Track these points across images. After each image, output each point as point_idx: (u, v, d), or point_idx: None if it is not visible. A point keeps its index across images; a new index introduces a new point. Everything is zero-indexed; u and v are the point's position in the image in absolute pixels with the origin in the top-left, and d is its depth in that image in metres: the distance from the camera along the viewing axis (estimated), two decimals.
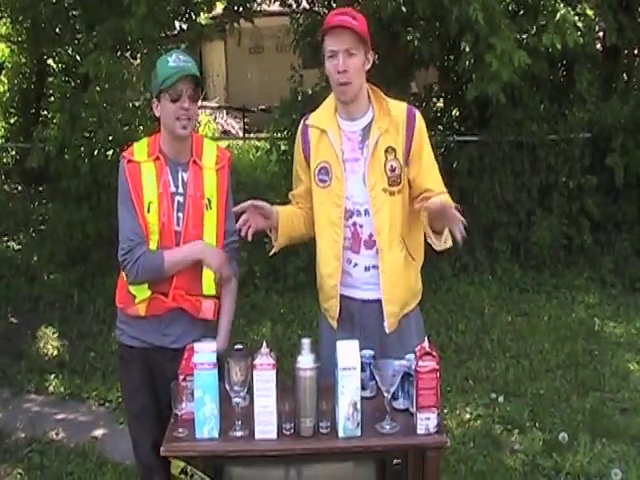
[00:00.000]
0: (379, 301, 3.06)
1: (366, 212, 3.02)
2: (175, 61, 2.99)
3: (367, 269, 3.06)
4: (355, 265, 3.07)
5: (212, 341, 2.65)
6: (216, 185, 3.09)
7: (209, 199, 3.06)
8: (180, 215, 3.03)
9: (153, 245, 3.02)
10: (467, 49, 6.74)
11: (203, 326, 3.09)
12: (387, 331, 3.05)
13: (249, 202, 2.93)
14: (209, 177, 3.09)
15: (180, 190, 3.05)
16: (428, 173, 3.04)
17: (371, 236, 3.03)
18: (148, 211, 3.01)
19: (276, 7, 9.42)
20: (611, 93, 8.29)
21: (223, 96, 17.91)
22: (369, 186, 2.99)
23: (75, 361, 6.04)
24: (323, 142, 3.06)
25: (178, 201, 3.04)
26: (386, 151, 2.99)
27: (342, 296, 3.10)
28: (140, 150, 3.10)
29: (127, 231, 3.02)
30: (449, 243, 2.95)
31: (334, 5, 8.04)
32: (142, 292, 3.05)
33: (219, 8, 9.45)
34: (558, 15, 6.55)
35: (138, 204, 3.01)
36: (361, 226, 3.04)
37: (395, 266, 3.03)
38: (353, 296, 3.10)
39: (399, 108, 3.05)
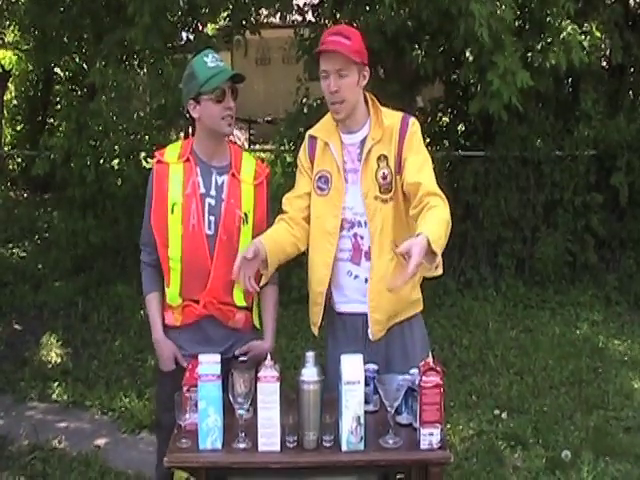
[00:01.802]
0: None
1: (366, 224, 3.02)
2: (213, 61, 2.98)
3: (367, 281, 3.05)
4: (356, 277, 3.06)
5: (217, 354, 2.63)
6: (254, 201, 3.08)
7: (246, 214, 3.05)
8: (212, 218, 3.01)
9: (175, 250, 3.01)
10: (470, 59, 6.76)
11: (234, 336, 3.09)
12: (371, 338, 3.02)
13: (239, 260, 2.76)
14: (247, 192, 3.08)
15: (212, 192, 3.03)
16: (418, 171, 2.94)
17: (371, 247, 3.03)
18: (172, 212, 3.00)
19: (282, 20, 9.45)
20: (617, 111, 8.29)
21: None
22: (363, 195, 3.00)
23: (79, 369, 6.04)
24: (326, 153, 3.08)
25: (209, 203, 3.02)
26: (378, 159, 3.00)
27: (346, 314, 3.10)
28: (172, 152, 3.11)
29: (143, 232, 3.16)
30: (439, 271, 2.70)
31: (339, 17, 8.06)
32: (175, 299, 3.07)
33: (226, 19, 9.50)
34: (564, 33, 6.56)
35: (160, 206, 3.02)
36: (362, 237, 3.04)
37: (384, 274, 2.98)
38: (354, 311, 3.08)
39: (394, 117, 3.05)
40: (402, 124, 3.03)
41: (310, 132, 3.18)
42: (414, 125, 3.05)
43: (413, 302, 3.15)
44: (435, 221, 2.67)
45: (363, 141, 3.04)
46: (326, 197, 3.05)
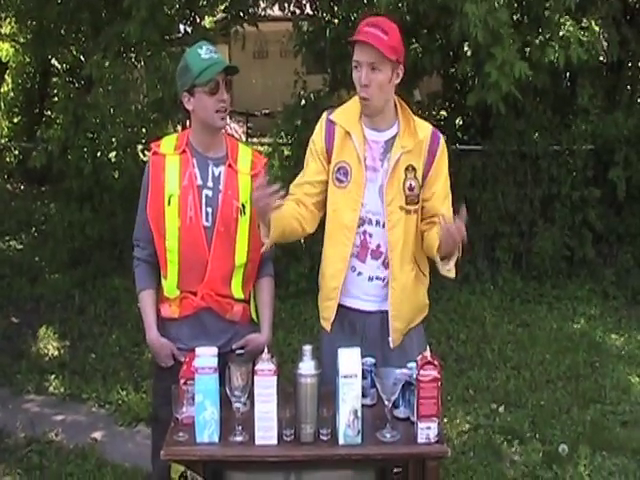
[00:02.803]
0: (381, 313, 3.07)
1: (377, 223, 3.01)
2: (207, 53, 2.95)
3: (371, 279, 3.06)
4: (359, 274, 3.06)
5: (214, 347, 2.61)
6: (251, 191, 3.02)
7: (243, 204, 3.03)
8: (209, 210, 2.99)
9: (173, 242, 2.99)
10: (468, 54, 6.74)
11: (232, 329, 3.08)
12: (391, 346, 3.05)
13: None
14: (244, 182, 3.06)
15: (209, 184, 3.02)
16: (444, 199, 3.05)
17: (378, 247, 3.02)
18: (169, 204, 2.98)
19: (280, 12, 9.42)
20: (615, 105, 8.29)
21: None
22: (386, 202, 2.98)
23: (75, 362, 6.03)
24: (347, 143, 3.02)
25: (206, 195, 3.00)
26: (406, 169, 2.98)
27: (345, 307, 3.09)
28: (168, 143, 3.09)
29: (137, 227, 3.14)
30: (452, 274, 3.01)
31: (337, 10, 8.05)
32: (172, 291, 3.05)
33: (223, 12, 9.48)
34: (564, 29, 6.54)
35: (157, 198, 3.00)
36: (370, 235, 3.03)
37: (405, 283, 3.04)
38: (356, 307, 3.08)
39: (425, 129, 3.04)
40: (433, 138, 3.04)
41: (330, 116, 3.08)
42: (444, 145, 3.07)
43: (425, 306, 3.27)
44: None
45: (388, 142, 3.01)
46: (345, 190, 3.01)
